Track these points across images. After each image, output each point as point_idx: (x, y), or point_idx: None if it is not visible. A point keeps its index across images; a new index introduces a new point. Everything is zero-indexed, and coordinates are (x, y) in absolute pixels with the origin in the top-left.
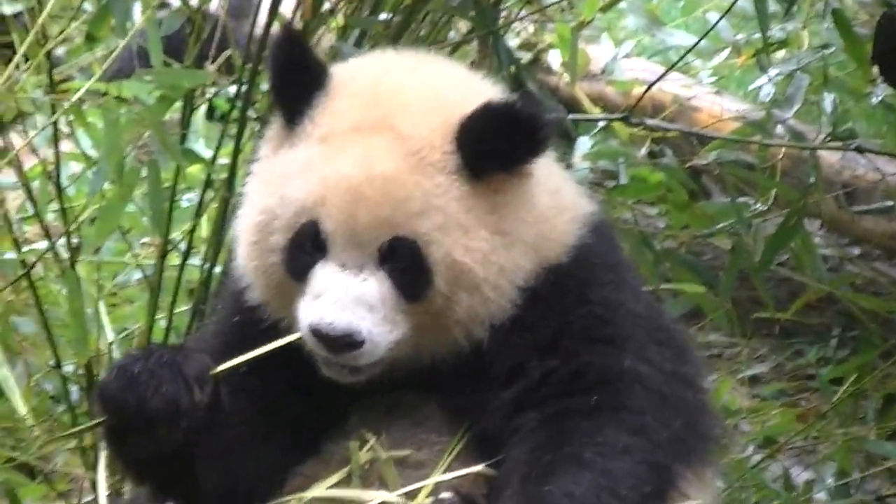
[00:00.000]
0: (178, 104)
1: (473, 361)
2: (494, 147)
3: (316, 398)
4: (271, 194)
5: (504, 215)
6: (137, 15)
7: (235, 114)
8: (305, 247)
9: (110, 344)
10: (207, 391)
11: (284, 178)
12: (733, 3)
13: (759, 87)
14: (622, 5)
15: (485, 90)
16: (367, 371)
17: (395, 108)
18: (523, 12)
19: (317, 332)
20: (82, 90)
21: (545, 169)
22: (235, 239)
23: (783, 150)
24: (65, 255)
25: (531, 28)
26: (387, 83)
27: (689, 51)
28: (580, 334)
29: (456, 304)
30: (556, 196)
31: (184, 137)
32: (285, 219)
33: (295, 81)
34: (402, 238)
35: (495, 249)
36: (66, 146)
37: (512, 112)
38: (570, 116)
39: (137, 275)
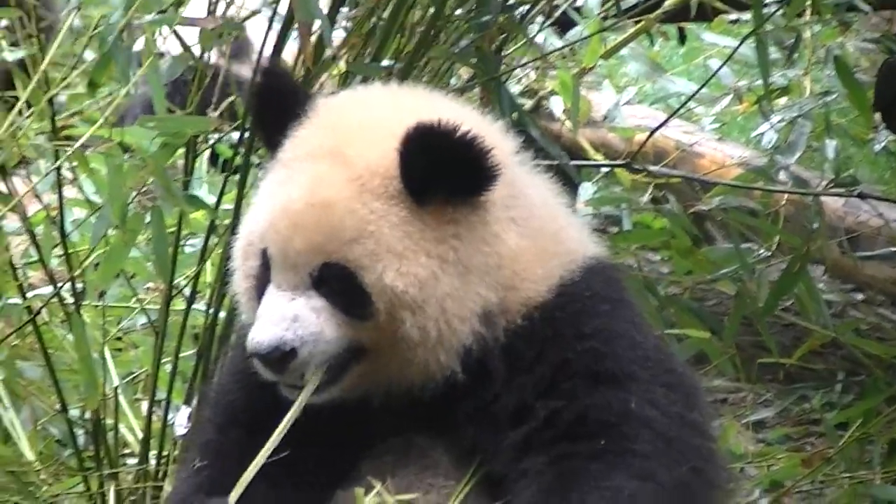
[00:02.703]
0: (181, 150)
1: (479, 402)
2: (427, 170)
3: (327, 447)
4: (250, 220)
5: (455, 246)
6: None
7: (238, 160)
8: (265, 271)
9: (115, 388)
10: None
11: (257, 203)
12: (735, 50)
13: (762, 134)
14: (624, 52)
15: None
16: (327, 391)
17: (348, 135)
18: (525, 59)
19: (254, 355)
20: (85, 136)
21: (527, 210)
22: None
23: (786, 196)
24: (69, 300)
25: (533, 75)
26: (350, 112)
27: (690, 97)
28: (582, 372)
29: (402, 322)
30: (547, 236)
31: (187, 184)
32: (255, 245)
33: (273, 110)
34: (333, 265)
35: (437, 275)
36: (69, 192)
37: (442, 135)
38: (573, 162)
39: (142, 320)
